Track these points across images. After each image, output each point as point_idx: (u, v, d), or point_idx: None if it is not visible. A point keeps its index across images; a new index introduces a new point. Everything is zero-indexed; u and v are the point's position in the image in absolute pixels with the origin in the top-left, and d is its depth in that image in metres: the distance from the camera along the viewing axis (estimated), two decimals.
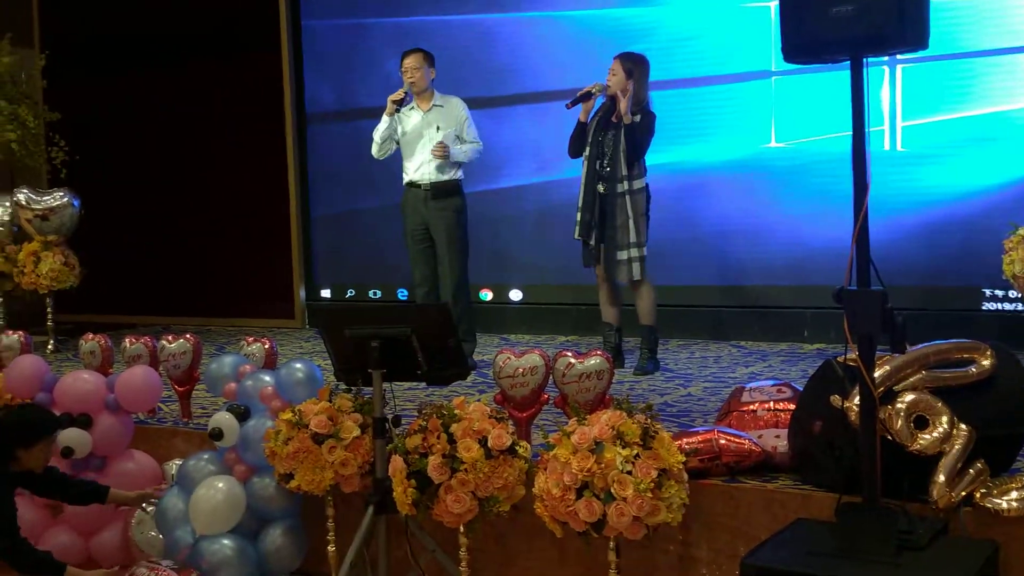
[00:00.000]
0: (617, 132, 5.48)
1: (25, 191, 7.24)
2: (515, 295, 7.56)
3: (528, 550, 3.77)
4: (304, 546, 4.08)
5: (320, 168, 8.30)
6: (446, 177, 5.91)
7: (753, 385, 3.87)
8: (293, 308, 8.32)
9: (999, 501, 2.93)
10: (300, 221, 8.33)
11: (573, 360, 3.74)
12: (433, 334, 3.65)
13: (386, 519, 3.68)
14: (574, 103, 5.57)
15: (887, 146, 6.16)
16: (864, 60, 2.74)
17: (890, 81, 6.11)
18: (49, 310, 7.42)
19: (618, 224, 5.47)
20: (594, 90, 5.55)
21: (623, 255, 5.49)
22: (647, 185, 5.55)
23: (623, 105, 5.40)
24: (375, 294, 8.08)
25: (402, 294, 7.90)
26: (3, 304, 7.71)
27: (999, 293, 5.88)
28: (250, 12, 8.35)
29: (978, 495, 2.97)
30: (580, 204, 5.60)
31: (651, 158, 5.62)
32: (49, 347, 7.21)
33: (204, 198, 8.64)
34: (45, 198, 7.20)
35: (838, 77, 5.94)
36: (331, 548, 3.93)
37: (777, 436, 3.50)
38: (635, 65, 5.49)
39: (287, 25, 8.20)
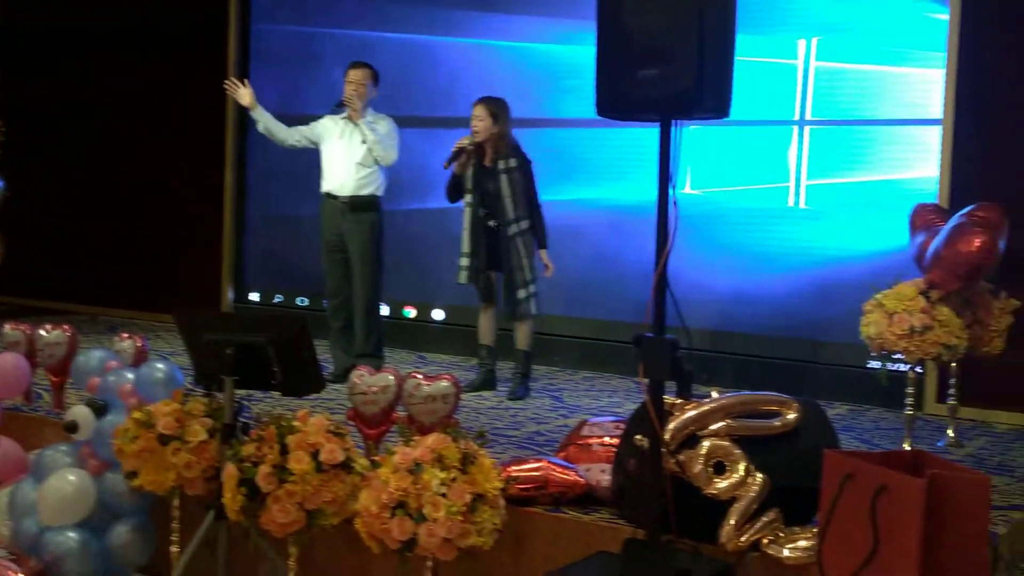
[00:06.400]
0: (495, 177, 5.65)
1: None
2: (437, 314, 7.63)
3: (371, 562, 3.84)
4: (152, 544, 4.13)
5: (259, 170, 8.33)
6: (364, 192, 5.99)
7: (595, 420, 3.97)
8: (220, 307, 8.36)
9: (782, 549, 3.03)
10: (234, 221, 8.36)
11: (422, 382, 3.83)
12: (289, 345, 3.73)
13: (229, 524, 3.75)
14: (449, 163, 5.71)
15: (791, 202, 6.31)
16: (673, 122, 2.84)
17: (798, 141, 6.28)
18: None
19: (513, 265, 5.66)
20: (466, 145, 5.66)
21: (522, 293, 5.68)
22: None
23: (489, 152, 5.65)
24: (302, 301, 8.13)
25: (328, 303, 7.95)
26: None
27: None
28: (200, 11, 8.41)
29: (765, 541, 3.08)
30: (468, 250, 5.73)
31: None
32: None
33: (141, 192, 8.67)
34: None
35: (751, 132, 6.12)
36: (174, 548, 4.00)
37: (603, 471, 3.60)
38: (499, 108, 5.67)
39: (236, 27, 8.28)
